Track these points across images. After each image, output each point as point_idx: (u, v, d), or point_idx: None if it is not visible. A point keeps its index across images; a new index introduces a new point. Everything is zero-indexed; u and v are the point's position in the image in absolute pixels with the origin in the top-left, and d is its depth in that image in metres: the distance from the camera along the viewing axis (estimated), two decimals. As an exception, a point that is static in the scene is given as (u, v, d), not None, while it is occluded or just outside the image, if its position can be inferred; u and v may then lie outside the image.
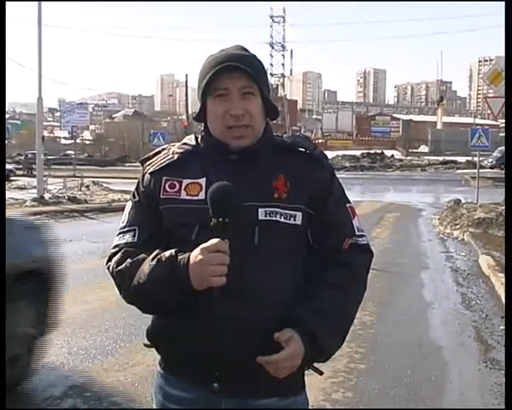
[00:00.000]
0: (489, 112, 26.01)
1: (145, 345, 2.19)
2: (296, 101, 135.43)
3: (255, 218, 2.01)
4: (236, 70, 2.03)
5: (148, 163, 2.18)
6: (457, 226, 17.27)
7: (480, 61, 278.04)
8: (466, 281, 10.74)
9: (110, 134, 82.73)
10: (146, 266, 2.00)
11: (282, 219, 2.03)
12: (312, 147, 2.19)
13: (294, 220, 2.05)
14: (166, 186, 2.08)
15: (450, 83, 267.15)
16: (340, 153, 60.69)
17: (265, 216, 2.02)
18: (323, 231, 2.13)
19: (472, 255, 13.35)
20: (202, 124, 2.18)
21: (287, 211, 2.04)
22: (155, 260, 1.99)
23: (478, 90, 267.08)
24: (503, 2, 4.85)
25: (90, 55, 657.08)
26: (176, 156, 2.14)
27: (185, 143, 2.20)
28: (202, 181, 2.05)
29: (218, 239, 1.89)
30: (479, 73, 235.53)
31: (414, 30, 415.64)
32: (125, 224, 2.15)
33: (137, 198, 2.16)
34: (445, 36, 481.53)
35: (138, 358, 6.26)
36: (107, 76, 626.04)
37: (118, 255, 2.10)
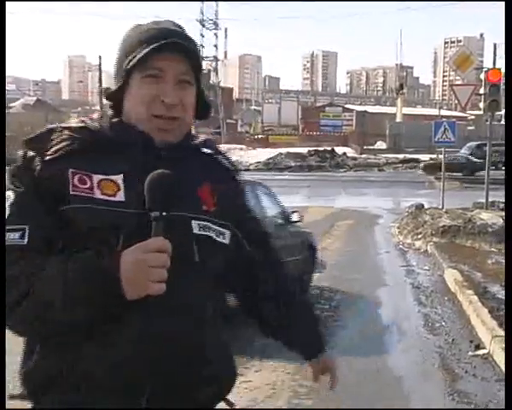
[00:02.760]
0: (456, 102, 26.47)
1: (12, 396, 1.99)
2: (232, 89, 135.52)
3: (191, 230, 2.03)
4: (178, 51, 2.03)
5: (36, 147, 2.02)
6: (419, 236, 17.51)
7: (446, 43, 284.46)
8: (429, 300, 10.88)
9: (7, 127, 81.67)
10: (53, 272, 1.85)
11: (214, 236, 2.09)
12: (228, 157, 2.32)
13: (224, 239, 2.13)
14: (75, 180, 1.96)
15: (412, 68, 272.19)
16: (284, 150, 60.82)
17: (199, 230, 2.05)
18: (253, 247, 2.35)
19: (436, 269, 13.55)
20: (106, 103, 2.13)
21: (217, 227, 2.10)
22: (70, 262, 1.86)
23: (444, 76, 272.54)
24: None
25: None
26: (77, 143, 2.02)
27: (84, 127, 2.07)
28: (119, 179, 1.99)
29: (160, 237, 1.87)
30: (444, 57, 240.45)
31: (369, 6, 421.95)
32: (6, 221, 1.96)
33: (23, 189, 1.98)
34: (406, 13, 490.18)
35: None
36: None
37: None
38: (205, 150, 2.22)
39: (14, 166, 2.03)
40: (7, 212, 1.96)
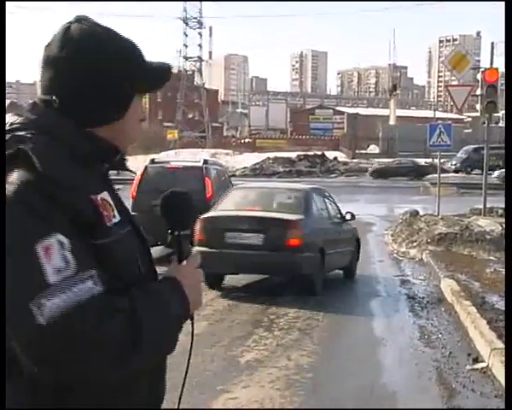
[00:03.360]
0: (452, 103, 26.55)
1: None
2: (217, 91, 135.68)
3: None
4: None
5: (26, 163, 1.74)
6: (414, 244, 17.54)
7: (441, 42, 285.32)
8: (425, 311, 10.89)
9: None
10: (150, 310, 1.78)
11: None
12: None
13: None
14: (101, 207, 1.82)
15: (406, 68, 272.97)
16: (272, 155, 60.90)
17: None
18: None
19: (432, 279, 13.57)
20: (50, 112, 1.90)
21: None
22: (153, 295, 1.83)
23: (439, 77, 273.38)
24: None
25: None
26: (68, 155, 1.83)
27: (45, 142, 1.82)
28: (107, 197, 1.89)
29: (195, 253, 2.05)
30: (439, 57, 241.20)
31: (361, 4, 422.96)
32: (72, 271, 1.67)
33: (62, 227, 1.71)
34: (399, 11, 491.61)
35: None
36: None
37: (88, 315, 1.66)
38: None
39: (28, 195, 1.72)
40: (62, 260, 1.68)
